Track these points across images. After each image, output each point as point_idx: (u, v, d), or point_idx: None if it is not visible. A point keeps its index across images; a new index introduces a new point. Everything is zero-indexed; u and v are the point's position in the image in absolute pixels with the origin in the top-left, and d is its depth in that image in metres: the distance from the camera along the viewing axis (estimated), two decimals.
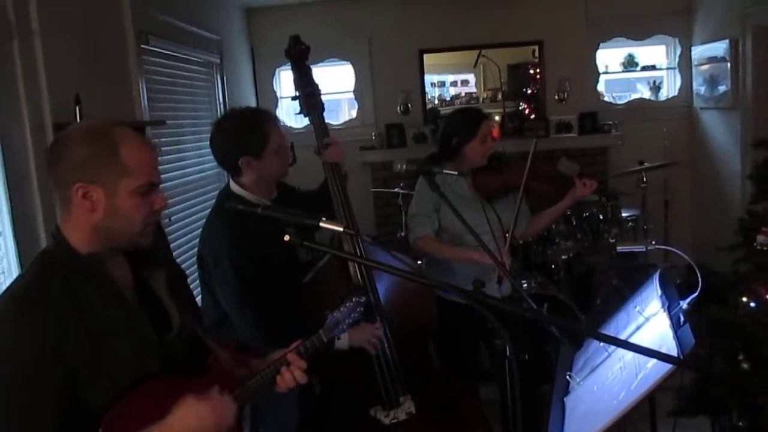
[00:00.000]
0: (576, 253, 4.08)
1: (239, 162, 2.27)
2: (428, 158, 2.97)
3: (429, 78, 5.65)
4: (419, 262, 3.55)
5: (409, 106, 5.54)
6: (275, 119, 2.32)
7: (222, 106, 4.59)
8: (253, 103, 5.39)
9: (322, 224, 1.51)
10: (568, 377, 1.77)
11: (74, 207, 1.39)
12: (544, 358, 2.99)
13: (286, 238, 1.49)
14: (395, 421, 2.37)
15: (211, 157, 4.36)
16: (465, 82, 5.77)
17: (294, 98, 2.59)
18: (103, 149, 1.38)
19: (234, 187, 2.33)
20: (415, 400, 2.41)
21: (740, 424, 2.46)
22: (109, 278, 1.44)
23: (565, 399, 1.71)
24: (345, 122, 5.78)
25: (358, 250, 2.38)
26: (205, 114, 4.41)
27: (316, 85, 2.59)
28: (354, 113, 5.75)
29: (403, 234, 4.78)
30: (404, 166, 2.34)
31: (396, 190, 4.70)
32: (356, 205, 5.13)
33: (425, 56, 5.56)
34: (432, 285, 2.40)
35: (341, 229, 1.52)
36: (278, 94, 5.71)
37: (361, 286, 2.30)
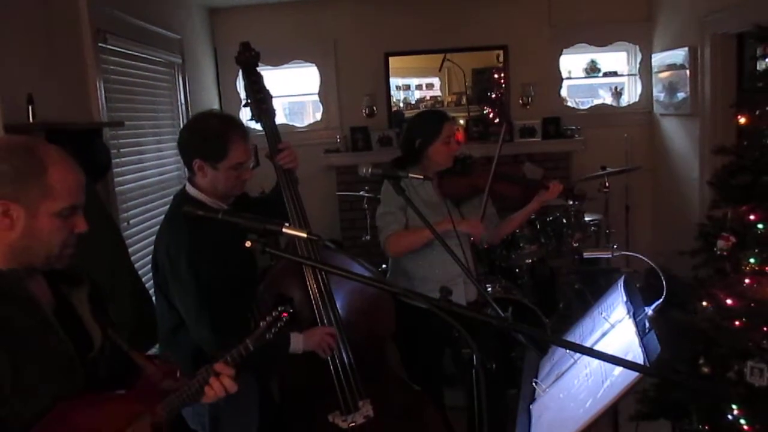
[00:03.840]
0: (540, 258, 4.10)
1: (193, 163, 2.22)
2: (393, 162, 2.95)
3: (394, 81, 5.63)
4: (383, 266, 3.53)
5: (374, 109, 5.52)
6: (244, 137, 2.27)
7: (184, 107, 4.50)
8: (216, 105, 5.31)
9: (285, 230, 1.47)
10: (534, 384, 1.76)
11: None
12: (510, 363, 3.00)
13: (248, 244, 1.45)
14: (353, 425, 2.37)
15: (172, 159, 4.30)
16: (430, 86, 5.77)
17: (245, 105, 2.59)
18: (29, 168, 1.35)
19: (191, 189, 2.28)
20: (374, 405, 2.40)
21: (700, 427, 2.49)
22: (29, 295, 1.40)
23: (531, 406, 1.70)
24: (309, 125, 5.73)
25: (316, 256, 2.37)
26: (166, 115, 4.33)
27: (267, 91, 2.58)
28: (319, 116, 5.70)
29: (368, 238, 4.75)
30: (370, 170, 2.31)
31: (361, 193, 4.68)
32: (321, 208, 5.10)
33: (390, 59, 5.54)
34: (395, 292, 2.38)
35: (305, 235, 1.48)
36: (242, 96, 5.63)
37: (288, 297, 2.28)
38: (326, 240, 1.54)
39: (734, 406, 2.32)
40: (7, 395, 1.30)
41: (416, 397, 2.59)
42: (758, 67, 2.57)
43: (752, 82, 2.66)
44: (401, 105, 5.69)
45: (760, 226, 2.33)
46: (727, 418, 2.33)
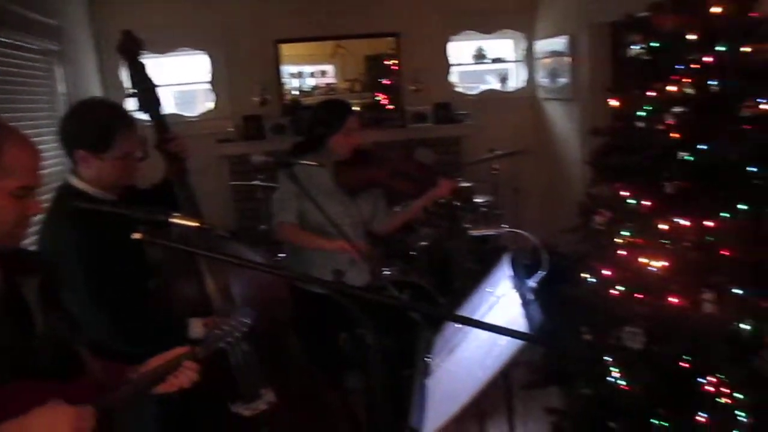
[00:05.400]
0: (434, 240, 4.22)
1: (75, 153, 2.13)
2: (292, 148, 2.96)
3: (287, 69, 5.59)
4: (280, 255, 3.52)
5: (267, 97, 5.45)
6: (131, 125, 2.19)
7: (63, 98, 4.27)
8: (99, 95, 5.07)
9: (174, 220, 1.45)
10: (428, 360, 1.83)
11: None
12: (408, 343, 3.08)
13: (136, 236, 1.42)
14: (256, 413, 2.37)
15: (53, 153, 4.08)
16: (324, 73, 5.78)
17: (130, 95, 2.51)
18: None
19: (74, 181, 2.18)
20: (276, 392, 2.41)
21: (585, 391, 2.66)
22: None
23: (426, 381, 1.77)
24: (201, 114, 5.60)
25: (211, 246, 2.34)
26: (44, 107, 4.09)
27: (152, 81, 2.51)
28: (210, 105, 5.57)
29: (265, 227, 4.71)
30: (261, 158, 2.31)
31: (255, 182, 4.62)
32: (214, 199, 5.01)
33: (282, 47, 5.49)
34: (291, 277, 2.40)
35: (195, 224, 1.47)
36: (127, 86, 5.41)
37: (249, 303, 2.27)
38: (218, 229, 1.53)
39: (614, 369, 2.49)
40: None
41: (317, 381, 2.62)
42: (630, 55, 2.74)
43: (625, 68, 2.85)
44: (296, 93, 5.66)
45: (632, 201, 2.50)
46: (609, 381, 2.49)
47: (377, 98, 5.68)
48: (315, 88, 5.72)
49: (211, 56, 5.44)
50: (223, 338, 1.75)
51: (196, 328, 2.26)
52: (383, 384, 1.59)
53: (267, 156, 2.35)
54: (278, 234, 2.90)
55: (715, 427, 2.25)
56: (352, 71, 5.74)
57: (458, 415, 1.49)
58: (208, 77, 5.49)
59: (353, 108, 3.01)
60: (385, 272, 3.74)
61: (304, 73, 5.73)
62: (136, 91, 2.50)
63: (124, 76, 5.34)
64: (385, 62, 5.71)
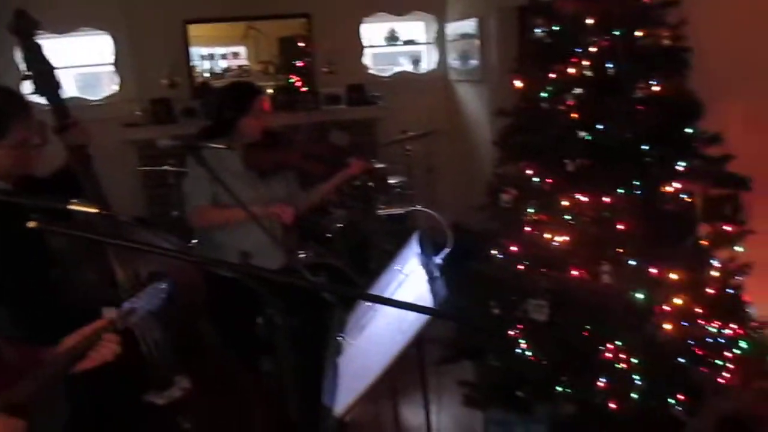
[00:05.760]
0: (350, 222, 4.24)
1: None
2: (199, 132, 2.89)
3: (197, 50, 5.45)
4: (193, 241, 3.46)
5: (176, 79, 5.29)
6: (27, 111, 2.08)
7: None
8: None
9: (72, 207, 1.40)
10: (340, 339, 1.85)
11: None
12: (322, 325, 3.10)
13: (31, 224, 1.36)
14: (171, 400, 2.33)
15: None
16: (236, 55, 5.66)
17: (25, 77, 2.38)
18: None
19: None
20: (191, 378, 2.38)
21: (495, 363, 2.76)
22: None
23: (337, 360, 1.79)
24: (105, 97, 5.37)
25: (117, 233, 2.27)
26: None
27: (49, 63, 2.39)
28: (115, 87, 5.36)
29: (176, 213, 4.60)
30: (167, 142, 2.25)
31: (166, 167, 4.49)
32: (122, 186, 4.84)
33: (190, 27, 5.34)
34: (197, 261, 2.37)
35: (95, 211, 1.42)
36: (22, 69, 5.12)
37: (161, 272, 2.20)
38: (123, 216, 1.50)
39: (521, 341, 2.60)
40: None
41: (233, 366, 2.60)
42: (534, 38, 2.83)
43: (529, 51, 2.94)
44: (207, 75, 5.52)
45: (536, 180, 2.60)
46: (517, 352, 2.60)
47: (291, 80, 5.62)
48: (227, 70, 5.60)
49: (114, 37, 5.23)
50: (143, 307, 1.70)
51: (110, 316, 2.20)
52: (297, 365, 1.60)
53: (173, 139, 2.30)
54: (194, 220, 2.83)
55: (614, 391, 2.39)
56: (265, 53, 5.65)
57: (369, 391, 1.52)
58: (112, 59, 5.28)
59: (261, 89, 2.97)
60: (300, 255, 3.74)
61: (216, 55, 5.59)
62: (31, 73, 2.37)
63: (19, 58, 5.07)
64: (299, 44, 5.65)
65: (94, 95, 5.42)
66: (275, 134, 2.99)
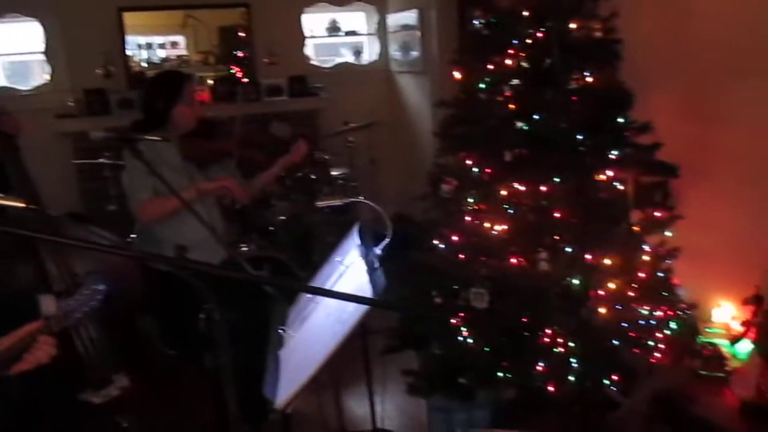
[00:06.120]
0: (293, 214, 4.22)
1: None
2: (133, 125, 2.82)
3: (134, 39, 5.29)
4: (132, 236, 3.38)
5: (111, 69, 5.14)
6: None
7: None
8: None
9: None
10: (281, 331, 1.85)
11: None
12: (264, 318, 3.08)
13: None
14: (108, 399, 2.28)
15: None
16: (175, 45, 5.53)
17: None
18: None
19: None
20: (130, 376, 2.34)
21: (438, 351, 2.80)
22: None
23: (279, 353, 1.79)
24: (36, 87, 5.17)
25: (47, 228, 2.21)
26: None
27: None
28: (47, 77, 5.17)
29: (115, 207, 4.48)
30: (101, 134, 2.19)
31: (102, 160, 4.37)
32: (56, 180, 4.68)
33: (126, 15, 5.19)
34: (133, 257, 2.32)
35: (22, 205, 1.38)
36: None
37: (97, 271, 2.13)
38: (52, 210, 1.45)
39: (463, 329, 2.64)
40: None
41: (173, 363, 2.56)
42: (473, 29, 2.86)
43: (468, 43, 2.97)
44: (145, 65, 5.38)
45: (475, 170, 2.64)
46: (459, 340, 2.64)
47: (232, 71, 5.53)
48: (165, 60, 5.46)
49: (43, 24, 5.03)
50: (79, 308, 1.66)
51: (48, 303, 2.13)
52: (237, 359, 1.59)
53: (107, 131, 2.23)
54: (142, 214, 2.75)
55: (552, 374, 2.46)
56: (204, 43, 5.54)
57: (309, 382, 1.52)
58: (42, 47, 5.08)
59: (190, 75, 2.91)
60: (242, 248, 3.70)
61: (154, 45, 5.44)
62: None
63: None
64: (239, 34, 5.56)
65: (25, 85, 5.21)
66: (212, 123, 2.94)
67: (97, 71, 5.07)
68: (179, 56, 5.50)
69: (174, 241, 2.73)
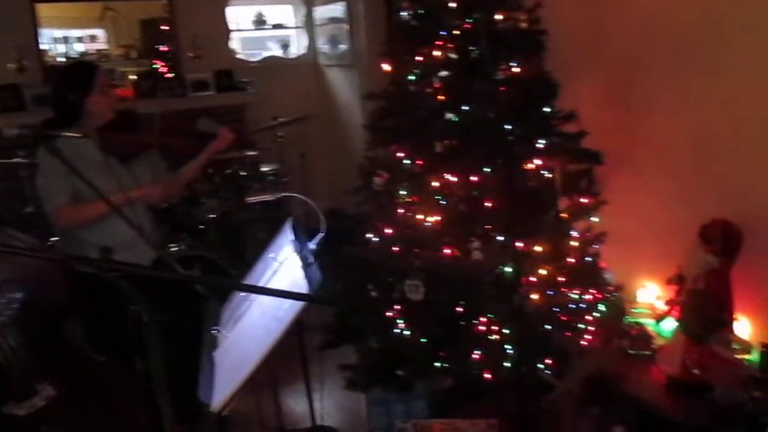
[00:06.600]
0: (223, 212, 4.13)
1: None
2: (48, 122, 2.68)
3: (49, 32, 5.06)
4: (53, 239, 3.24)
5: (25, 63, 4.88)
6: None
7: None
8: None
9: None
10: (214, 332, 1.80)
11: None
12: (196, 319, 3.01)
13: None
14: (33, 410, 2.19)
15: None
16: (94, 38, 5.32)
17: None
18: None
19: None
20: (55, 385, 2.25)
21: (375, 345, 2.79)
22: None
23: (213, 354, 1.74)
24: None
25: None
26: None
27: None
28: None
29: (31, 209, 4.27)
30: (15, 132, 2.07)
31: (16, 160, 4.15)
32: None
33: (39, 6, 4.94)
34: (55, 260, 2.22)
35: None
36: None
37: (12, 279, 2.02)
38: None
39: (400, 321, 2.64)
40: None
41: (102, 369, 2.47)
42: (400, 21, 2.85)
43: (396, 34, 2.97)
44: (62, 59, 5.15)
45: (406, 162, 2.64)
46: (395, 333, 2.64)
47: (155, 66, 5.36)
48: (84, 54, 5.25)
49: None
50: None
51: None
52: (169, 362, 1.54)
53: (21, 129, 2.11)
54: (57, 222, 2.63)
55: (488, 362, 2.50)
56: (125, 37, 5.35)
57: (246, 383, 1.49)
58: None
59: (98, 64, 2.80)
60: (172, 248, 3.60)
61: (71, 38, 5.22)
62: None
63: None
64: (162, 27, 5.40)
65: None
66: (134, 115, 2.83)
67: (9, 66, 4.82)
68: (99, 50, 5.29)
69: (98, 243, 2.64)
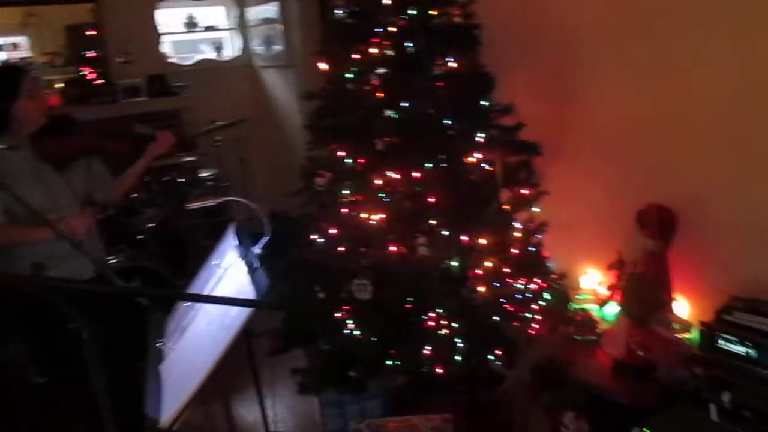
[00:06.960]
0: (163, 220, 4.03)
1: None
2: None
3: None
4: None
5: None
6: None
7: None
8: None
9: None
10: (160, 344, 1.75)
11: None
12: (139, 332, 2.92)
13: None
14: None
15: None
16: (16, 46, 5.11)
17: None
18: None
19: None
20: None
21: (325, 347, 2.77)
22: None
23: (159, 367, 1.69)
24: None
25: None
26: None
27: None
28: None
29: None
30: None
31: None
32: None
33: None
34: None
35: None
36: None
37: None
38: None
39: (349, 322, 2.63)
40: None
41: (43, 391, 2.38)
42: (335, 19, 2.82)
43: (332, 33, 2.94)
44: None
45: (348, 161, 2.62)
46: (345, 333, 2.63)
47: (83, 72, 5.19)
48: (6, 63, 5.04)
49: None
50: None
51: None
52: (113, 379, 1.48)
53: None
54: None
55: (439, 356, 2.51)
56: (50, 43, 5.16)
57: (196, 395, 1.45)
58: None
59: (25, 68, 2.68)
60: (111, 260, 3.49)
61: None
62: None
63: None
64: (88, 33, 5.22)
65: None
66: (68, 119, 2.72)
67: None
68: (22, 59, 5.09)
69: (31, 258, 2.53)
